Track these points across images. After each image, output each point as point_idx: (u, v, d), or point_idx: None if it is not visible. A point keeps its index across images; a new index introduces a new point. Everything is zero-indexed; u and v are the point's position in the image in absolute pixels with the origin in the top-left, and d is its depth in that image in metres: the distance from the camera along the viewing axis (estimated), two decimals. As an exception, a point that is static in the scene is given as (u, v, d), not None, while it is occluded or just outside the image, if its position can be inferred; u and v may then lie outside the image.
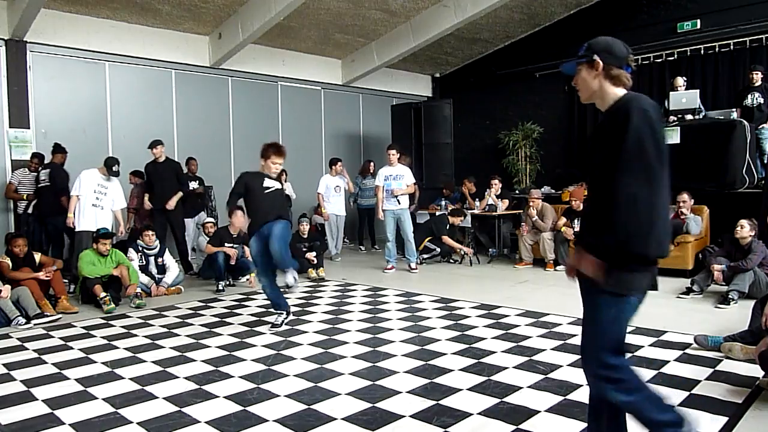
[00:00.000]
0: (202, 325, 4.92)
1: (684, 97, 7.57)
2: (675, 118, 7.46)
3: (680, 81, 8.00)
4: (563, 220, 7.39)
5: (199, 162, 8.51)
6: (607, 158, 1.93)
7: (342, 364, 3.75)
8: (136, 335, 4.62)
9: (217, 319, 5.15)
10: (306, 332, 4.60)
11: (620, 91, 2.05)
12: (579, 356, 2.16)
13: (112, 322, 5.08)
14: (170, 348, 4.23)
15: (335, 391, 3.27)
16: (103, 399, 3.21)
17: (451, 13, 8.82)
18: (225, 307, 5.67)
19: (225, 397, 3.21)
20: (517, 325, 4.66)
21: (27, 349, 4.28)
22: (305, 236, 7.51)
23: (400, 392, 3.23)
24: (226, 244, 6.67)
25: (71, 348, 4.28)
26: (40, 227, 7.16)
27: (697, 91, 7.66)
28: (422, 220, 9.00)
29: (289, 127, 10.35)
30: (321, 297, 6.06)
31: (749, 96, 7.56)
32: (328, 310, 5.43)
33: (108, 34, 8.06)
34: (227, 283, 6.72)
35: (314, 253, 7.28)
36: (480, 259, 8.28)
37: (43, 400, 3.21)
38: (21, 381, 3.55)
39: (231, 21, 8.47)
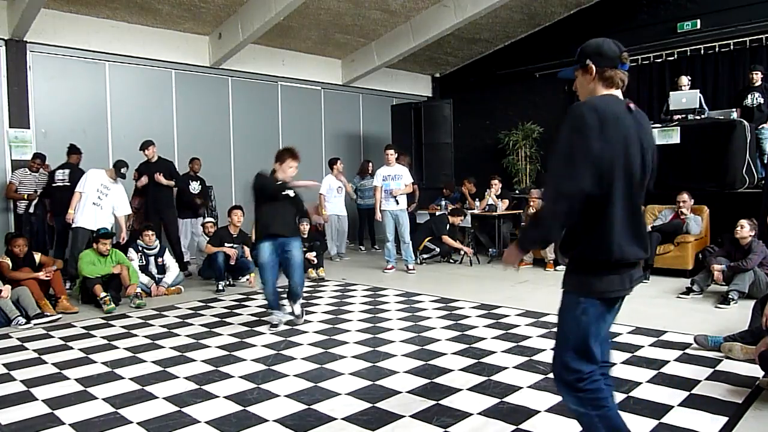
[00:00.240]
0: (202, 325, 4.92)
1: (684, 97, 7.56)
2: (678, 118, 7.44)
3: (684, 80, 7.94)
4: (563, 220, 7.37)
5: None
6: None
7: (342, 364, 3.75)
8: (136, 335, 4.62)
9: (217, 319, 5.15)
10: (306, 332, 4.60)
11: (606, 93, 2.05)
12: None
13: (112, 322, 5.08)
14: (170, 348, 4.23)
15: (335, 391, 3.27)
16: (103, 399, 3.21)
17: (451, 13, 8.82)
18: (225, 307, 5.67)
19: (225, 397, 3.21)
20: (517, 325, 4.66)
21: (27, 349, 4.28)
22: (305, 236, 7.50)
23: (400, 392, 3.23)
24: (226, 244, 6.67)
25: (71, 348, 4.28)
26: (44, 226, 7.16)
27: (698, 91, 7.65)
28: (422, 220, 9.00)
29: (289, 127, 10.35)
30: (321, 297, 6.06)
31: (749, 96, 7.55)
32: (328, 310, 5.43)
33: (108, 34, 8.06)
34: (227, 283, 6.71)
35: (314, 253, 7.28)
36: (480, 259, 8.28)
37: (43, 400, 3.21)
38: (21, 381, 3.55)
39: (231, 21, 8.47)
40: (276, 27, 8.39)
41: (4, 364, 3.89)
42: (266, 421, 2.89)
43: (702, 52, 8.83)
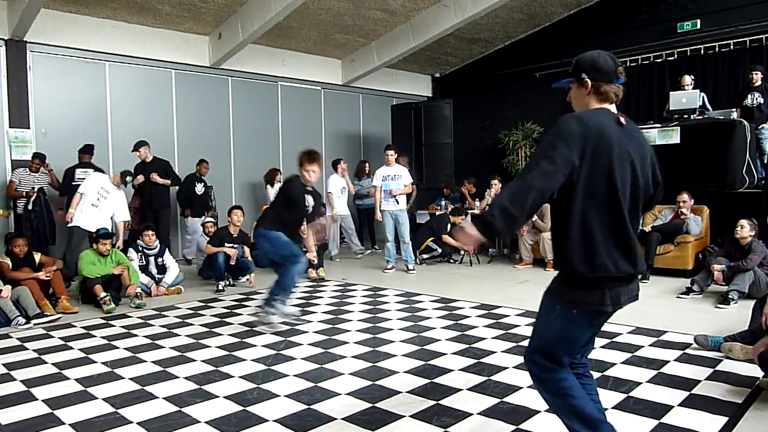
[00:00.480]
0: (202, 325, 4.92)
1: (684, 97, 7.56)
2: (677, 118, 7.44)
3: (687, 80, 7.91)
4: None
5: (199, 162, 8.56)
6: None
7: (342, 364, 3.75)
8: (136, 335, 4.62)
9: (217, 319, 5.15)
10: (306, 332, 4.60)
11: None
12: (579, 356, 2.18)
13: (112, 322, 5.08)
14: (170, 348, 4.23)
15: (335, 391, 3.27)
16: (103, 399, 3.21)
17: (451, 13, 8.82)
18: (225, 307, 5.67)
19: (225, 397, 3.21)
20: (517, 325, 4.66)
21: (27, 349, 4.28)
22: (305, 236, 7.48)
23: (400, 392, 3.23)
24: (226, 244, 6.67)
25: (71, 348, 4.28)
26: (44, 221, 7.16)
27: (698, 91, 7.65)
28: (422, 220, 9.00)
29: (289, 127, 10.34)
30: (321, 297, 6.06)
31: (749, 96, 7.55)
32: (328, 310, 5.43)
33: (108, 34, 8.06)
34: (227, 283, 6.71)
35: (314, 254, 7.26)
36: (480, 259, 8.28)
37: (43, 400, 3.21)
38: (21, 381, 3.55)
39: (231, 21, 8.47)
40: (276, 27, 8.39)
41: (4, 364, 3.89)
42: (266, 421, 2.89)
43: (702, 52, 8.82)
